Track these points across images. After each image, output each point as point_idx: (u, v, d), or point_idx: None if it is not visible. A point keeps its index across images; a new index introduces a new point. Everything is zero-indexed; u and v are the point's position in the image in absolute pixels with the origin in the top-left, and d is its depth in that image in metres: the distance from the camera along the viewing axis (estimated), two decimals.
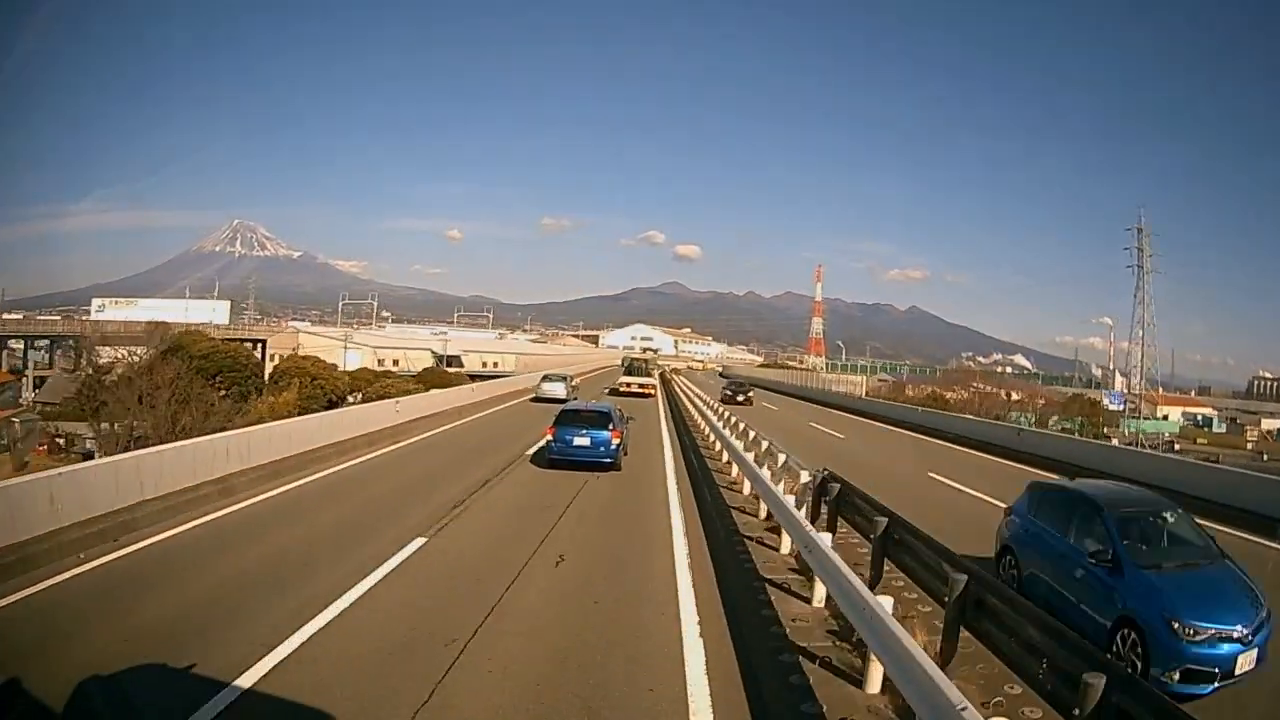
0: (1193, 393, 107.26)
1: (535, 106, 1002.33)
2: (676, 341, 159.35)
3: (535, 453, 15.99)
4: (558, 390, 28.43)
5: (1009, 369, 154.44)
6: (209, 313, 62.61)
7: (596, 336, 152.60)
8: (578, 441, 14.04)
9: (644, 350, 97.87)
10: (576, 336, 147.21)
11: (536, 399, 29.16)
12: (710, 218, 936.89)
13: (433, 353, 55.12)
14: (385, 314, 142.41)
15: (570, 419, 14.50)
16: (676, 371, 78.88)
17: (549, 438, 14.44)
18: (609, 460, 14.08)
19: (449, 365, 50.62)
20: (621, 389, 34.16)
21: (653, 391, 35.58)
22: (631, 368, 38.25)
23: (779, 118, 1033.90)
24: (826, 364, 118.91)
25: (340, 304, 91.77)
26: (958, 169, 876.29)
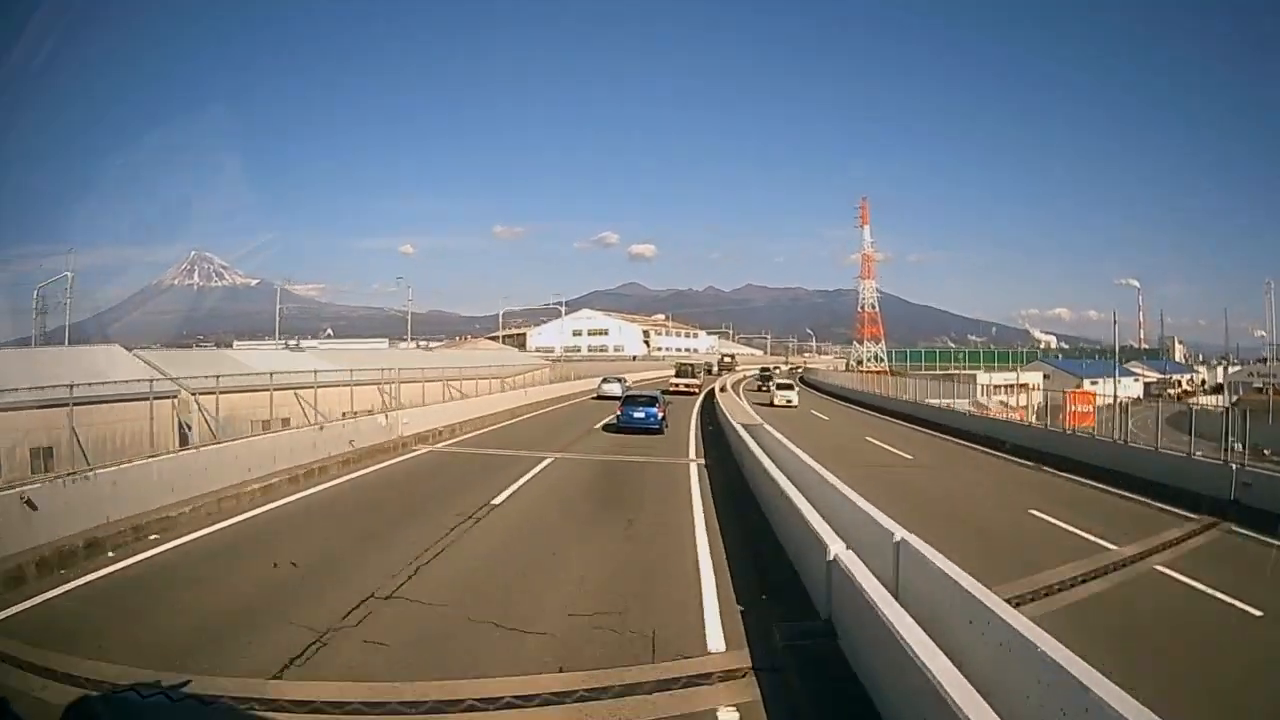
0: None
1: (480, 115, 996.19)
2: (648, 333, 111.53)
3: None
4: (615, 389, 35.47)
5: (1055, 343, 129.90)
6: None
7: (523, 335, 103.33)
8: (636, 414, 21.06)
9: (719, 350, 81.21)
10: (494, 338, 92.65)
11: (599, 397, 35.98)
12: (663, 215, 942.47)
13: None
14: (328, 331, 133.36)
15: (631, 400, 21.99)
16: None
17: (618, 413, 21.58)
18: (656, 426, 20.99)
19: None
20: (671, 388, 39.75)
21: (697, 390, 41.49)
22: (680, 370, 45.23)
23: (728, 109, 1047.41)
24: (891, 355, 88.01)
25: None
26: (913, 149, 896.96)
